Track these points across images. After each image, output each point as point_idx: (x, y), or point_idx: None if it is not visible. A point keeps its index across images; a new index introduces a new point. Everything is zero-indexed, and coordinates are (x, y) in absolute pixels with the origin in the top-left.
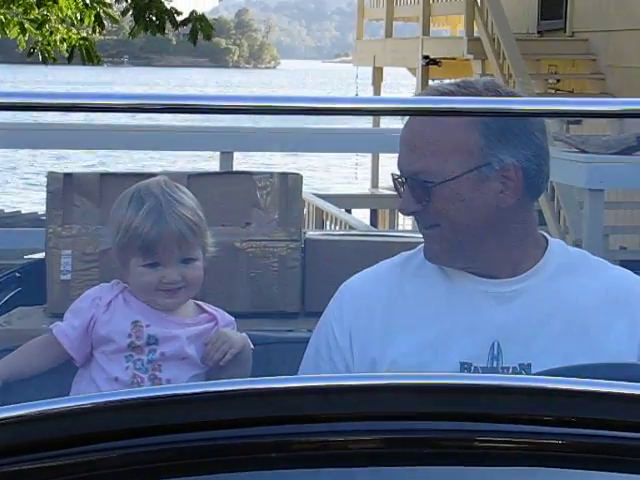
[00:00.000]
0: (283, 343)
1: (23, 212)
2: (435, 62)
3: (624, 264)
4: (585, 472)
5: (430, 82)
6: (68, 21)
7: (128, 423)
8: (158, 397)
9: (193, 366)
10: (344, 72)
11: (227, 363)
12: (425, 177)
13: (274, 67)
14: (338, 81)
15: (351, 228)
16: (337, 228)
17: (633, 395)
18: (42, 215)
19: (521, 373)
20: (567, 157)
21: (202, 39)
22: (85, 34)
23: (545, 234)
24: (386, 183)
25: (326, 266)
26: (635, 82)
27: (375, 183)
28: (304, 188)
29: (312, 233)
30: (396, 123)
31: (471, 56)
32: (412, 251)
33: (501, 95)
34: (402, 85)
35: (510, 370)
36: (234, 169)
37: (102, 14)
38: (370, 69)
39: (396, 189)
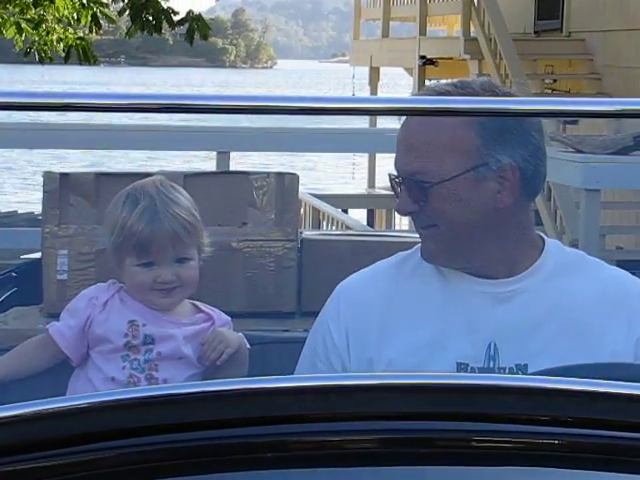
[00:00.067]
0: (279, 343)
1: (20, 212)
2: (432, 62)
3: (620, 264)
4: (582, 472)
5: (427, 82)
6: (65, 21)
7: (124, 423)
8: (154, 397)
9: (190, 366)
10: (341, 72)
11: (223, 363)
12: (422, 177)
13: (271, 67)
14: (335, 81)
15: (348, 228)
16: (334, 228)
17: (630, 395)
18: (38, 215)
19: (518, 373)
20: (564, 157)
21: (199, 39)
22: (82, 34)
23: (542, 234)
24: (383, 183)
25: (323, 266)
26: (632, 82)
27: (372, 183)
28: (301, 188)
29: (309, 233)
30: (393, 123)
31: (468, 56)
32: (409, 251)
33: (498, 95)
34: (399, 85)
35: (507, 370)
36: (231, 169)
37: (99, 14)
38: (367, 69)
39: (393, 189)
